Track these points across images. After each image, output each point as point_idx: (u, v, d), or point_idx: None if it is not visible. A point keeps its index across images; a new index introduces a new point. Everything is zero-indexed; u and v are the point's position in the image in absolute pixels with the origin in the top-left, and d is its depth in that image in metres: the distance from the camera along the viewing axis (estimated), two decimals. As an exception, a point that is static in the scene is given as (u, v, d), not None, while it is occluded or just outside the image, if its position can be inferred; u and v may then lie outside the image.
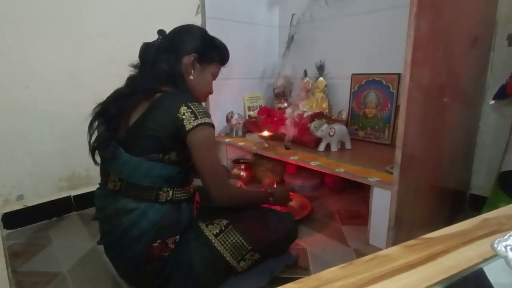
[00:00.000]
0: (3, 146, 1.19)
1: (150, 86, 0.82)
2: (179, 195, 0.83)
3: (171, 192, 0.81)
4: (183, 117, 0.77)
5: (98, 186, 0.87)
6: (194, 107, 0.79)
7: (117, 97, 0.84)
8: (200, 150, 0.80)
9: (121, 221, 0.78)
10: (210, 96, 1.67)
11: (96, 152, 0.84)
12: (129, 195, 0.78)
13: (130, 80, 0.88)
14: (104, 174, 0.84)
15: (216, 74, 0.98)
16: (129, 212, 0.77)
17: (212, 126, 0.82)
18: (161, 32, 0.91)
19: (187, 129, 0.77)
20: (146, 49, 0.88)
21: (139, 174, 0.78)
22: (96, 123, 0.84)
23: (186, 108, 0.78)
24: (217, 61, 0.97)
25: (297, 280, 0.32)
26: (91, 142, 0.84)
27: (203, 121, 0.78)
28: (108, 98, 0.86)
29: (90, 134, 0.84)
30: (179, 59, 0.88)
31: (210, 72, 0.95)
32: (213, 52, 0.94)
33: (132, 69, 0.90)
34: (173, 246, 0.80)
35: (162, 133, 0.78)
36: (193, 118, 0.78)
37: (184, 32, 0.92)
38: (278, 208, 1.11)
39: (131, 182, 0.78)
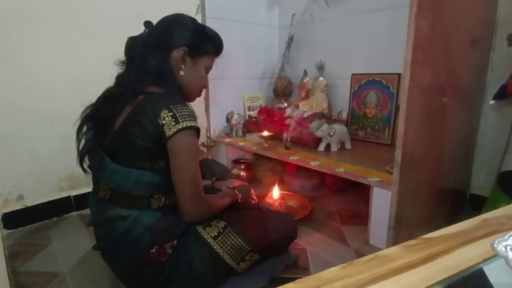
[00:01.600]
0: (3, 146, 1.19)
1: (138, 86, 0.77)
2: (172, 200, 0.80)
3: (163, 198, 0.79)
4: (163, 122, 0.72)
5: (92, 191, 0.86)
6: (176, 110, 0.73)
7: (106, 99, 0.80)
8: (178, 158, 0.74)
9: (115, 227, 0.77)
10: (210, 96, 1.69)
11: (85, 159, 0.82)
12: (120, 204, 0.77)
13: (119, 79, 0.83)
14: (95, 181, 0.82)
15: (209, 67, 0.91)
16: (122, 219, 0.76)
17: (196, 129, 0.76)
18: (148, 24, 0.84)
19: (167, 135, 0.72)
20: (132, 44, 0.82)
21: (129, 183, 0.75)
22: (85, 128, 0.81)
23: (167, 111, 0.72)
24: (210, 53, 0.89)
25: (297, 280, 0.32)
26: (80, 149, 0.81)
27: (184, 125, 0.72)
28: (98, 99, 0.82)
29: (79, 139, 0.81)
30: (168, 54, 0.82)
31: (203, 65, 0.88)
32: (205, 44, 0.87)
33: (120, 65, 0.85)
34: (170, 251, 0.79)
35: (146, 141, 0.74)
36: (174, 123, 0.72)
37: (172, 23, 0.85)
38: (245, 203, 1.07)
39: (121, 191, 0.76)
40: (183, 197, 0.76)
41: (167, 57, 0.82)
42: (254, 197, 1.07)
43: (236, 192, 0.98)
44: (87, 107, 0.82)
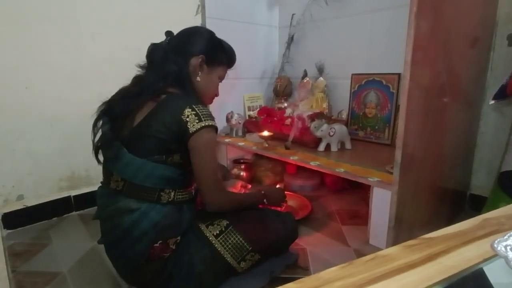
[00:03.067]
0: (3, 146, 1.19)
1: (157, 87, 0.82)
2: (180, 196, 0.82)
3: (173, 193, 0.81)
4: (187, 119, 0.77)
5: (101, 184, 0.87)
6: (198, 109, 0.79)
7: (123, 96, 0.84)
8: (200, 154, 0.80)
9: (122, 220, 0.78)
10: (210, 96, 1.68)
11: (100, 151, 0.84)
12: (131, 196, 0.78)
13: (137, 79, 0.88)
14: (107, 173, 0.84)
15: (222, 76, 0.99)
16: (130, 212, 0.77)
17: (216, 129, 0.82)
18: (169, 33, 0.92)
19: (190, 131, 0.77)
20: (154, 49, 0.88)
21: (142, 175, 0.78)
22: (101, 122, 0.83)
23: (190, 110, 0.78)
24: (225, 63, 0.97)
25: (297, 280, 0.32)
26: (95, 141, 0.84)
27: (207, 124, 0.78)
28: (114, 96, 0.86)
29: (94, 132, 0.84)
30: (187, 60, 0.88)
31: (217, 74, 0.96)
32: (220, 55, 0.95)
33: (140, 69, 0.90)
34: (174, 247, 0.80)
35: (166, 135, 0.78)
36: (197, 121, 0.77)
37: (193, 34, 0.92)
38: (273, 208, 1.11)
39: (134, 182, 0.78)
40: (207, 189, 0.82)
41: (186, 63, 0.87)
42: (285, 205, 1.13)
43: (264, 200, 1.01)
44: (103, 103, 0.85)
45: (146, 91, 0.81)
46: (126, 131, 0.81)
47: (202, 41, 0.90)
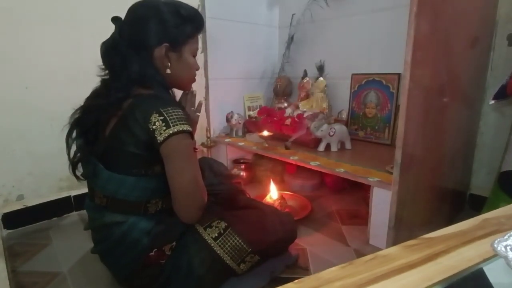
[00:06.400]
0: (3, 146, 1.19)
1: (121, 95, 0.74)
2: (170, 204, 0.77)
3: (160, 202, 0.79)
4: (154, 127, 0.70)
5: (88, 196, 0.85)
6: (166, 114, 0.70)
7: (92, 108, 0.78)
8: (173, 164, 0.72)
9: (112, 232, 0.77)
10: (210, 96, 1.69)
11: (78, 166, 0.81)
12: (116, 211, 0.76)
13: (103, 87, 0.81)
14: (90, 188, 0.82)
15: (196, 49, 0.85)
16: (118, 224, 0.76)
17: (189, 132, 0.73)
18: (116, 20, 0.79)
19: (158, 141, 0.70)
20: (107, 51, 0.78)
21: (124, 190, 0.74)
22: (74, 133, 0.80)
23: (157, 115, 0.70)
24: (193, 35, 0.82)
25: (297, 280, 0.32)
26: (71, 156, 0.80)
27: (175, 130, 0.70)
28: (86, 101, 0.81)
29: (69, 145, 0.79)
30: (149, 55, 0.77)
31: (189, 52, 0.83)
32: (185, 29, 0.79)
33: (102, 74, 0.82)
34: (169, 253, 0.79)
35: (138, 148, 0.72)
36: (164, 128, 0.69)
37: (144, 18, 0.77)
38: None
39: (117, 198, 0.75)
40: (181, 204, 0.74)
41: (149, 59, 0.77)
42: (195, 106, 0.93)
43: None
44: (76, 111, 0.80)
45: (111, 101, 0.74)
46: (99, 144, 0.75)
47: (159, 25, 0.76)
